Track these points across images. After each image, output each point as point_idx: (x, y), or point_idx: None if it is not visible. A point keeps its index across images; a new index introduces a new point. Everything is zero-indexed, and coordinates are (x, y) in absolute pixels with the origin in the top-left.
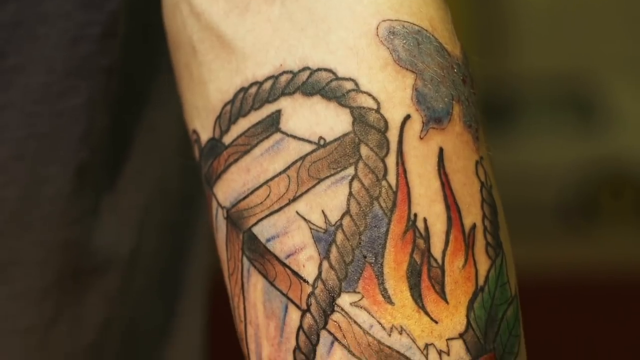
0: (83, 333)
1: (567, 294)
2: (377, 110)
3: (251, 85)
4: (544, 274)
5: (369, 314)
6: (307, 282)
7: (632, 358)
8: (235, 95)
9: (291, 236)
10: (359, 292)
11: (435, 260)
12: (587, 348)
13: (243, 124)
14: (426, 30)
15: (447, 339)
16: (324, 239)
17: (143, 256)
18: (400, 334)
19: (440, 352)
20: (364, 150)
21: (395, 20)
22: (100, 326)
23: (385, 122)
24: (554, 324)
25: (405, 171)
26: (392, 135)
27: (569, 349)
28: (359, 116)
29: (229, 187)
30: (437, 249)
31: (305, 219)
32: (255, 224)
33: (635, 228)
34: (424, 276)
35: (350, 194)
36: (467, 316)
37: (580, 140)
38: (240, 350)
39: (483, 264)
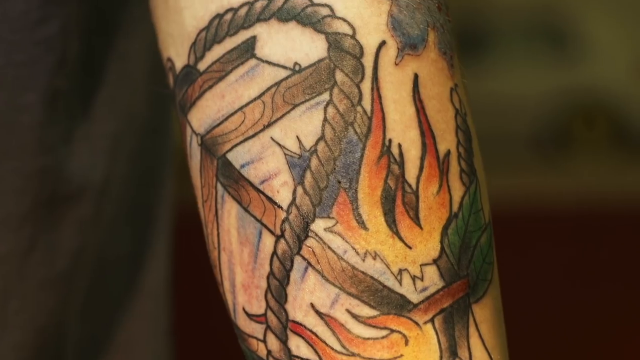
0: (57, 260)
1: (539, 224)
2: (353, 36)
3: (226, 11)
4: (517, 204)
5: (343, 239)
6: (281, 207)
7: (605, 286)
8: (210, 21)
9: (265, 162)
10: (333, 218)
11: (410, 186)
12: (560, 277)
13: (218, 51)
14: None
15: (421, 265)
16: (298, 164)
17: (114, 184)
18: (374, 259)
19: (414, 278)
20: (339, 76)
21: None
22: (73, 254)
23: (361, 47)
24: (526, 253)
25: (380, 97)
26: (367, 61)
27: (541, 278)
28: (334, 42)
29: (204, 114)
30: (411, 174)
31: (279, 145)
32: (230, 150)
33: (607, 158)
34: (398, 202)
35: (325, 119)
36: (441, 242)
37: (553, 70)
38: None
39: (457, 190)
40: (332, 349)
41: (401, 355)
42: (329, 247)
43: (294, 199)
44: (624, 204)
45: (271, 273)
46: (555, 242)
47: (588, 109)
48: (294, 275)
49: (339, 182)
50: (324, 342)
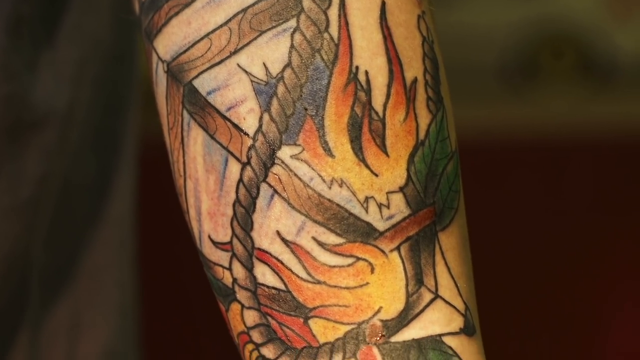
0: (21, 188)
1: (506, 153)
2: None
3: None
4: (484, 135)
5: (309, 166)
6: (248, 134)
7: (571, 216)
8: None
9: (232, 89)
10: (299, 145)
11: (377, 113)
12: (527, 206)
13: None
14: None
15: (387, 192)
16: (264, 91)
17: (79, 111)
18: (341, 186)
19: (380, 205)
20: (306, 3)
21: None
22: (37, 181)
23: None
24: (494, 183)
25: (347, 24)
26: None
27: (508, 208)
28: None
29: (170, 41)
30: (378, 102)
31: (246, 72)
32: (196, 77)
33: (575, 88)
34: (364, 129)
35: (292, 46)
36: (408, 170)
37: (522, 0)
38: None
39: (424, 117)
40: (298, 276)
41: (367, 283)
42: (295, 175)
43: (260, 126)
44: (591, 134)
45: (237, 200)
46: (522, 171)
47: (556, 39)
48: (260, 202)
49: (306, 109)
50: (290, 269)
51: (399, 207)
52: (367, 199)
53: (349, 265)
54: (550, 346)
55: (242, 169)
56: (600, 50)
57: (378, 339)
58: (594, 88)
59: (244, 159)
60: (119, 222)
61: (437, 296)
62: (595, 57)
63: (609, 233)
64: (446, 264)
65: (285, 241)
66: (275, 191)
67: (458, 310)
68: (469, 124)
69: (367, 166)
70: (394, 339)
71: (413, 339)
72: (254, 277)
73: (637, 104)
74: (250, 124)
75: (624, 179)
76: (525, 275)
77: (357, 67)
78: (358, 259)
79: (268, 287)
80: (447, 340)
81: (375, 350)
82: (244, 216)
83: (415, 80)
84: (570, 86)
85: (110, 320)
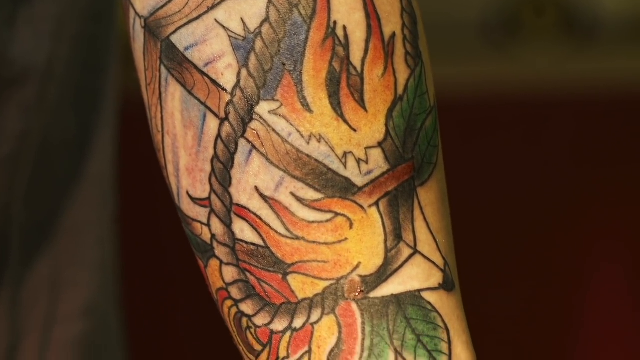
0: (0, 144)
1: (488, 110)
2: None
3: None
4: (466, 91)
5: (288, 122)
6: (226, 90)
7: (549, 171)
8: None
9: (210, 44)
10: (277, 100)
11: (355, 68)
12: (508, 162)
13: None
14: None
15: (366, 148)
16: (242, 46)
17: (58, 67)
18: (319, 142)
19: (358, 161)
20: None
21: None
22: (17, 138)
23: None
24: (474, 139)
25: None
26: None
27: (489, 164)
28: None
29: None
30: (356, 57)
31: (224, 27)
32: (174, 32)
33: (556, 45)
34: (343, 84)
35: (270, 1)
36: (386, 125)
37: None
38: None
39: (402, 72)
40: (276, 232)
41: (345, 239)
42: (274, 130)
43: (238, 81)
44: (573, 90)
45: (215, 156)
46: (503, 127)
47: None
48: (238, 158)
49: (284, 65)
50: (268, 225)
51: (377, 162)
52: (345, 154)
53: (327, 221)
54: (531, 298)
55: (220, 125)
56: (582, 7)
57: (357, 294)
58: (576, 44)
59: (222, 115)
60: (99, 179)
61: (415, 251)
62: (577, 14)
63: (590, 188)
64: (425, 219)
65: (263, 197)
66: (254, 147)
67: (437, 266)
68: (451, 80)
69: (345, 121)
70: (372, 294)
71: (392, 295)
72: (233, 233)
73: (618, 60)
74: (228, 80)
75: (605, 135)
76: (506, 230)
77: (335, 22)
78: (337, 214)
79: (246, 243)
80: (426, 295)
81: (354, 305)
82: (222, 172)
83: (393, 35)
84: (552, 43)
85: (91, 278)
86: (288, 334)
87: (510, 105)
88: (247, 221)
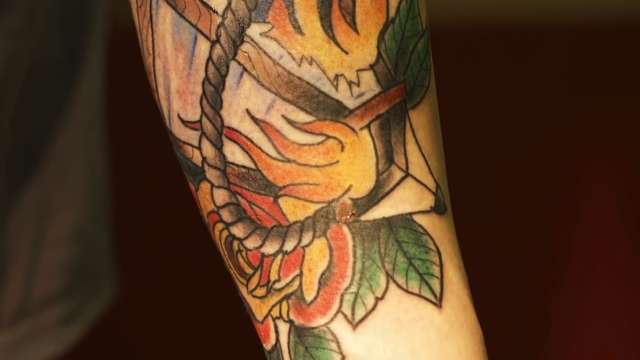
0: None
1: (480, 37)
2: None
3: None
4: (458, 18)
5: (279, 44)
6: (217, 12)
7: (540, 98)
8: None
9: None
10: (268, 22)
11: None
12: (499, 89)
13: None
14: None
15: (357, 70)
16: None
17: None
18: (310, 64)
19: (350, 83)
20: None
21: None
22: (4, 62)
23: None
24: (464, 64)
25: None
26: None
27: (480, 85)
28: None
29: None
30: None
31: None
32: None
33: None
34: (334, 6)
35: None
36: (378, 47)
37: None
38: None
39: None
40: (268, 155)
41: (337, 161)
42: (265, 52)
43: (229, 3)
44: (568, 19)
45: (206, 79)
46: (496, 54)
47: None
48: (230, 80)
49: None
50: (260, 148)
51: (369, 84)
52: (336, 76)
53: (318, 144)
54: (523, 224)
55: (211, 47)
56: None
57: (348, 217)
58: None
59: (213, 37)
60: (87, 103)
61: (407, 174)
62: None
63: (584, 116)
64: (417, 142)
65: (254, 119)
66: (245, 69)
67: (429, 189)
68: (443, 6)
69: (337, 44)
70: (364, 217)
71: (383, 218)
72: (224, 156)
73: None
74: (219, 2)
75: (602, 63)
76: (498, 157)
77: None
78: (328, 137)
79: (237, 165)
80: (418, 218)
81: (345, 228)
82: (213, 94)
83: None
84: None
85: (80, 202)
86: (279, 257)
87: (503, 32)
88: (238, 144)
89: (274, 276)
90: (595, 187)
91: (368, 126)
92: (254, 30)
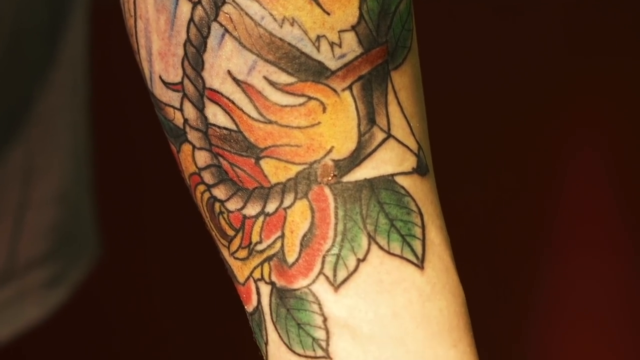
0: None
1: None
2: None
3: None
4: None
5: (260, 5)
6: None
7: (529, 58)
8: None
9: None
10: None
11: None
12: (486, 53)
13: None
14: None
15: (339, 31)
16: None
17: None
18: (292, 25)
19: (332, 44)
20: None
21: None
22: None
23: None
24: (455, 26)
25: None
26: None
27: (463, 49)
28: None
29: None
30: None
31: None
32: None
33: None
34: None
35: None
36: (360, 8)
37: None
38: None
39: None
40: (249, 116)
41: (319, 123)
42: (247, 14)
43: None
44: None
45: (188, 40)
46: (473, 16)
47: None
48: (211, 42)
49: None
50: (241, 109)
51: (351, 45)
52: (318, 37)
53: (300, 105)
54: (509, 188)
55: (193, 8)
56: None
57: (330, 178)
58: None
59: None
60: (71, 65)
61: (389, 135)
62: None
63: (578, 78)
64: (399, 103)
65: (236, 80)
66: (226, 30)
67: (411, 150)
68: None
69: (318, 4)
70: (345, 178)
71: (365, 179)
72: (205, 118)
73: None
74: None
75: (597, 23)
76: (484, 118)
77: None
78: (310, 98)
79: (219, 127)
80: (400, 179)
81: (327, 190)
82: (194, 56)
83: None
84: None
85: (64, 164)
86: (261, 218)
87: None
88: (219, 105)
89: (255, 238)
90: (583, 151)
91: (350, 87)
92: None
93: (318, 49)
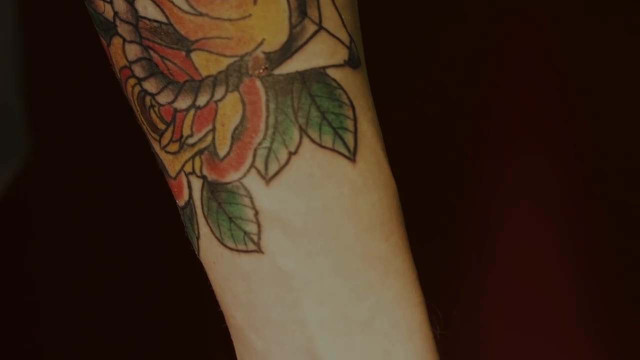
0: None
1: None
2: None
3: None
4: None
5: None
6: None
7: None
8: None
9: None
10: None
11: None
12: None
13: None
14: None
15: None
16: None
17: None
18: None
19: None
20: None
21: None
22: None
23: None
24: None
25: None
26: None
27: None
28: None
29: None
30: None
31: None
32: None
33: None
34: None
35: None
36: None
37: None
38: None
39: None
40: (180, 8)
41: (249, 15)
42: None
43: None
44: None
45: None
46: None
47: None
48: None
49: None
50: (171, 1)
51: None
52: None
53: None
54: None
55: None
56: None
57: (261, 71)
58: None
59: None
60: None
61: (320, 28)
62: None
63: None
64: None
65: None
66: None
67: (342, 42)
68: None
69: None
70: (277, 71)
71: (296, 72)
72: (135, 10)
73: None
74: None
75: None
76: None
77: None
78: None
79: (149, 20)
80: (331, 72)
81: (258, 82)
82: None
83: None
84: None
85: None
86: (192, 112)
87: None
88: None
89: (186, 131)
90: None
91: None
92: None
93: None
